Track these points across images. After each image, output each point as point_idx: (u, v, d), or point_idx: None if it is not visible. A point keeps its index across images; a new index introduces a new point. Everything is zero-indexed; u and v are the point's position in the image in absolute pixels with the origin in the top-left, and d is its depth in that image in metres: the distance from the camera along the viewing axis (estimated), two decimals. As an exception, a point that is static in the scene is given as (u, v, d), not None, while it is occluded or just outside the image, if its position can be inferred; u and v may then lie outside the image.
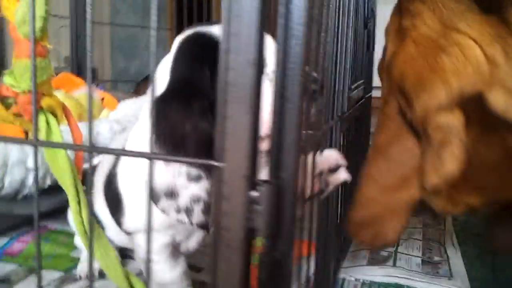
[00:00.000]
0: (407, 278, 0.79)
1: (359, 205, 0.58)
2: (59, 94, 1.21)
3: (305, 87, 0.38)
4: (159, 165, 0.50)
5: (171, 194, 0.51)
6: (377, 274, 0.81)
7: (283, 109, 0.37)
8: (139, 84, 2.03)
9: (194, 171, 0.51)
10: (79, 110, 1.25)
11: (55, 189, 0.81)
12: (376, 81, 1.45)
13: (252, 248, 0.38)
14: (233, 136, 0.36)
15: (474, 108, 0.46)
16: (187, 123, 0.51)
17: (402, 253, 0.90)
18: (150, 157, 0.41)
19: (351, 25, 0.70)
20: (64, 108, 0.61)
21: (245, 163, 0.36)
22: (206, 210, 0.50)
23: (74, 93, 1.43)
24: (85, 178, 0.63)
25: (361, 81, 1.13)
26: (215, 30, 0.54)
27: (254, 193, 0.37)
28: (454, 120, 0.47)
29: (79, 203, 0.59)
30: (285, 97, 0.37)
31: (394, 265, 0.85)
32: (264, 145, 0.49)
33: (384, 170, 0.56)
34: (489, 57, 0.44)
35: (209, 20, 1.78)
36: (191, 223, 0.51)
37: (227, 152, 0.37)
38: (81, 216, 0.59)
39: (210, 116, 0.50)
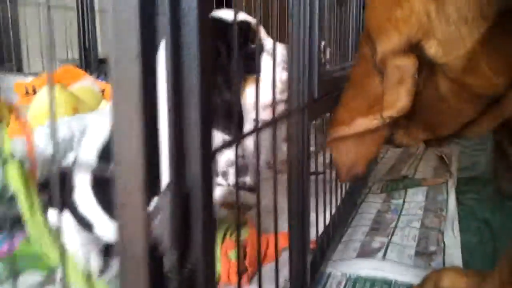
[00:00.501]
0: (395, 273, 0.74)
1: (332, 127, 0.65)
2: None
3: (207, 75, 0.34)
4: None
5: None
6: (364, 267, 0.76)
7: (180, 103, 0.33)
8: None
9: (227, 137, 0.54)
10: (73, 104, 1.24)
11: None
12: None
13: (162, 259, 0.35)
14: (123, 141, 0.33)
15: (420, 54, 0.55)
16: (214, 94, 0.55)
17: (396, 244, 0.85)
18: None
19: None
20: (14, 110, 0.59)
21: (140, 169, 0.33)
22: (239, 173, 0.56)
23: (73, 86, 1.42)
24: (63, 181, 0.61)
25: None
26: (224, 14, 0.61)
27: (153, 202, 0.33)
28: (408, 62, 0.56)
29: (31, 206, 0.57)
30: (182, 90, 0.33)
31: (384, 257, 0.80)
32: (265, 114, 0.58)
33: (354, 98, 0.64)
34: (427, 12, 0.53)
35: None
36: (229, 185, 0.58)
37: (120, 157, 0.33)
38: (34, 221, 0.57)
39: (231, 88, 0.57)
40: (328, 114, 0.86)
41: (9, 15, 1.77)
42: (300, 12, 0.62)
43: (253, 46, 0.63)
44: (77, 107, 1.25)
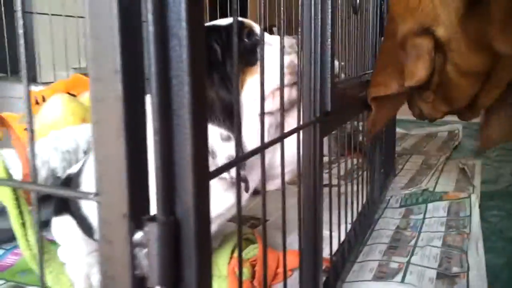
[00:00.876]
0: (414, 297, 0.69)
1: (371, 87, 0.82)
2: (63, 97, 1.19)
3: (200, 92, 0.30)
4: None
5: (212, 153, 0.57)
6: (380, 291, 0.72)
7: (169, 123, 0.29)
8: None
9: (225, 132, 0.57)
10: (82, 114, 1.21)
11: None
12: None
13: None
14: (105, 164, 0.29)
15: (434, 36, 0.69)
16: (210, 91, 0.57)
17: (416, 265, 0.80)
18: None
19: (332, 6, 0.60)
20: (4, 122, 0.56)
21: (124, 197, 0.29)
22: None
23: (84, 95, 1.40)
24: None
25: (371, 71, 1.02)
26: (220, 21, 0.64)
27: (139, 234, 0.29)
28: (424, 42, 0.70)
29: (23, 225, 0.54)
30: (171, 108, 0.29)
31: (403, 281, 0.75)
32: (269, 102, 0.62)
33: (386, 66, 0.79)
34: (432, 1, 0.67)
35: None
36: (231, 178, 0.57)
37: (102, 183, 0.29)
38: (27, 240, 0.54)
39: (228, 84, 0.58)
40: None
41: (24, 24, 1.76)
42: (311, 23, 0.58)
43: (247, 40, 0.63)
44: (85, 117, 1.23)
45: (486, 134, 0.81)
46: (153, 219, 0.30)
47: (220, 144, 0.57)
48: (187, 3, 0.28)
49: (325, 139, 1.15)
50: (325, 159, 0.88)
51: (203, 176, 0.31)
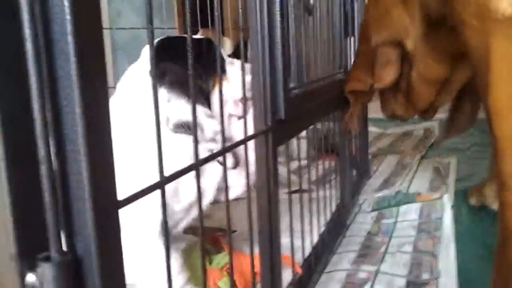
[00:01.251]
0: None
1: (348, 82, 0.95)
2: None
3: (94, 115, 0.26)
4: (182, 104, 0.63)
5: (200, 128, 0.63)
6: (347, 303, 0.68)
7: (61, 148, 0.26)
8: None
9: (208, 111, 0.66)
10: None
11: None
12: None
13: None
14: (-13, 199, 0.25)
15: (404, 48, 0.83)
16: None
17: (385, 273, 0.77)
18: None
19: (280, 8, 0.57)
20: None
21: (9, 235, 0.25)
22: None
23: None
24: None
25: (339, 71, 0.99)
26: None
27: (31, 277, 0.26)
28: (392, 51, 0.84)
29: None
30: (60, 121, 0.26)
31: (371, 290, 0.72)
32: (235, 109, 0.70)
33: (362, 65, 0.92)
34: (407, 16, 0.79)
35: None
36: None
37: (-14, 220, 0.26)
38: None
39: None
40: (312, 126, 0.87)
41: None
42: (258, 27, 0.55)
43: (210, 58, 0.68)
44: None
45: (450, 127, 0.97)
46: (47, 258, 0.26)
47: (206, 120, 0.64)
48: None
49: (294, 143, 1.12)
50: (298, 163, 0.85)
51: (108, 205, 0.28)
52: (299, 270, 0.71)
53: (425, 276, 0.75)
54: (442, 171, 1.34)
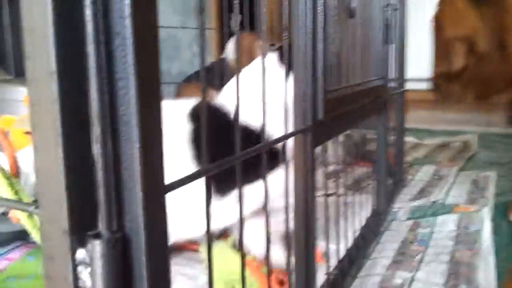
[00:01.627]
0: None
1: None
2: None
3: (148, 97, 0.27)
4: None
5: None
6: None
7: (115, 128, 0.27)
8: (180, 86, 1.89)
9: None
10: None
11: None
12: (410, 74, 1.30)
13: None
14: (44, 174, 0.26)
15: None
16: None
17: (420, 280, 0.75)
18: None
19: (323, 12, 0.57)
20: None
21: (63, 211, 0.26)
22: None
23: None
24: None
25: (378, 77, 0.98)
26: None
27: (82, 252, 0.27)
28: (461, 46, 0.99)
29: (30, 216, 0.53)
30: (116, 111, 0.26)
31: (405, 297, 0.70)
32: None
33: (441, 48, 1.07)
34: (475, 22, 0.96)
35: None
36: None
37: (42, 195, 0.27)
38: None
39: None
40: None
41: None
42: (302, 28, 0.55)
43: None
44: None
45: None
46: (97, 235, 0.27)
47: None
48: (131, -4, 0.25)
49: (331, 147, 1.11)
50: (333, 167, 0.84)
51: (157, 188, 0.28)
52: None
53: (463, 287, 0.73)
54: (481, 184, 1.30)
